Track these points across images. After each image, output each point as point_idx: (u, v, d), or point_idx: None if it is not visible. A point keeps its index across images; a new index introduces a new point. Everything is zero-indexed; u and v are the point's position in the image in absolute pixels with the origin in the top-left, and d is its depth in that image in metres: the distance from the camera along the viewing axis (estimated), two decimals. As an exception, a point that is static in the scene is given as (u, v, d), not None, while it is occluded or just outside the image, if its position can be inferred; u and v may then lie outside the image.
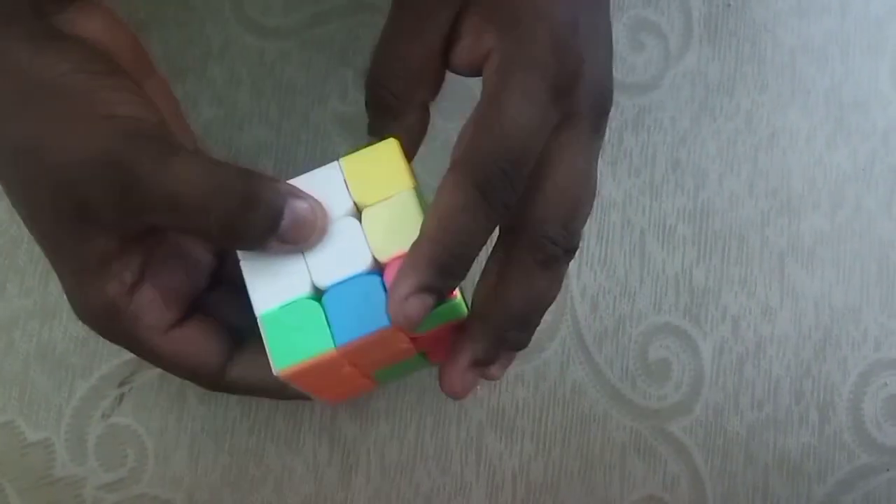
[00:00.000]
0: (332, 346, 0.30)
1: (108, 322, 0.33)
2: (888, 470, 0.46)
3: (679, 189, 0.46)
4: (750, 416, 0.46)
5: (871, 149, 0.47)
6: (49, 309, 0.42)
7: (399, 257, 0.30)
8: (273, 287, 0.30)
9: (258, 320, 0.31)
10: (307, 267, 0.31)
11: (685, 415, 0.45)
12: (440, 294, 0.29)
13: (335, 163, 0.32)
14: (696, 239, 0.46)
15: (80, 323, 0.42)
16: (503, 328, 0.32)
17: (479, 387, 0.44)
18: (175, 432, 0.43)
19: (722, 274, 0.46)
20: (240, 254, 0.31)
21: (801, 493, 0.45)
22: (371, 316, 0.30)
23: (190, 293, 0.35)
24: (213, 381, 0.34)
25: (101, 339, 0.42)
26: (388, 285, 0.30)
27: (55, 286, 0.42)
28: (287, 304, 0.30)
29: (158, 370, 0.42)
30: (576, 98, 0.31)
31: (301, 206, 0.30)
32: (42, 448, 0.42)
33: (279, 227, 0.29)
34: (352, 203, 0.31)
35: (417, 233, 0.29)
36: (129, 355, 0.42)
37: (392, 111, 0.33)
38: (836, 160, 0.47)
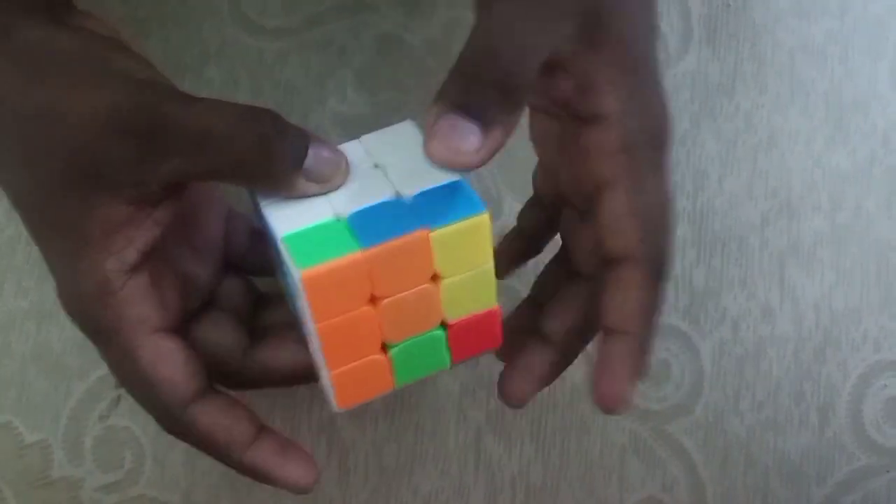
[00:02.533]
0: (357, 247, 0.29)
1: (95, 303, 0.31)
2: (888, 471, 0.46)
3: (679, 190, 0.46)
4: (750, 418, 0.45)
5: (870, 150, 0.47)
6: (46, 310, 0.42)
7: (464, 320, 0.32)
8: (295, 216, 0.30)
9: (279, 244, 0.30)
10: (330, 202, 0.31)
11: (685, 416, 0.45)
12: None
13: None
14: (695, 240, 0.46)
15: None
16: (646, 342, 0.33)
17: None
18: (173, 434, 0.43)
19: (722, 275, 0.46)
20: (260, 199, 0.31)
21: (801, 494, 0.45)
22: (396, 225, 0.29)
23: (183, 308, 0.34)
24: (171, 411, 0.32)
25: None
26: (451, 344, 0.32)
27: (52, 287, 0.42)
28: (310, 226, 0.30)
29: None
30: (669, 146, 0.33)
31: (323, 146, 0.30)
32: (39, 449, 0.42)
33: (305, 159, 0.30)
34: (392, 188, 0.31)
35: (489, 302, 0.32)
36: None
37: (513, 94, 0.29)
38: (835, 161, 0.47)
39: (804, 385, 0.46)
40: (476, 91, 0.28)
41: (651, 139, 0.32)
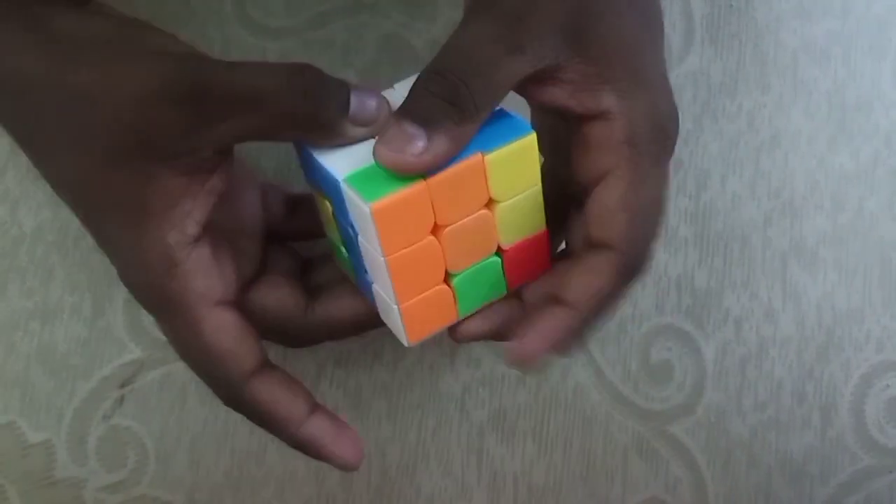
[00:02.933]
0: (419, 177, 0.30)
1: (161, 276, 0.31)
2: (891, 472, 0.46)
3: (681, 190, 0.46)
4: (752, 418, 0.45)
5: (873, 150, 0.47)
6: (50, 310, 0.42)
7: (518, 245, 0.34)
8: (349, 160, 0.31)
9: (341, 187, 0.31)
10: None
11: (687, 416, 0.45)
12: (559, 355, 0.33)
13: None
14: (698, 240, 0.46)
15: (80, 323, 0.42)
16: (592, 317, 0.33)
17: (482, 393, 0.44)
18: (176, 433, 0.43)
19: (724, 275, 0.46)
20: (312, 151, 0.32)
21: (804, 495, 0.45)
22: (457, 156, 0.31)
23: (238, 280, 0.34)
24: (233, 384, 0.33)
25: (103, 340, 0.42)
26: (507, 269, 0.34)
27: (56, 287, 0.42)
28: (367, 166, 0.31)
29: (160, 371, 0.42)
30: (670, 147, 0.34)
31: (364, 91, 0.31)
32: (43, 449, 0.42)
33: (350, 106, 0.31)
34: None
35: (540, 225, 0.34)
36: (129, 356, 0.42)
37: (463, 104, 0.30)
38: (838, 161, 0.47)
39: (807, 385, 0.46)
40: (423, 98, 0.30)
41: (654, 135, 0.32)
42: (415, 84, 0.30)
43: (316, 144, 0.32)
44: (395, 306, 0.32)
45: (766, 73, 0.47)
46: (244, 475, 0.43)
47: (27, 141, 0.33)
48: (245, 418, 0.42)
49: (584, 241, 0.33)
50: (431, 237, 0.31)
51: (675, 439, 0.45)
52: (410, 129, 0.29)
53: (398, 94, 0.33)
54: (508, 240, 0.34)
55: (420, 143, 0.29)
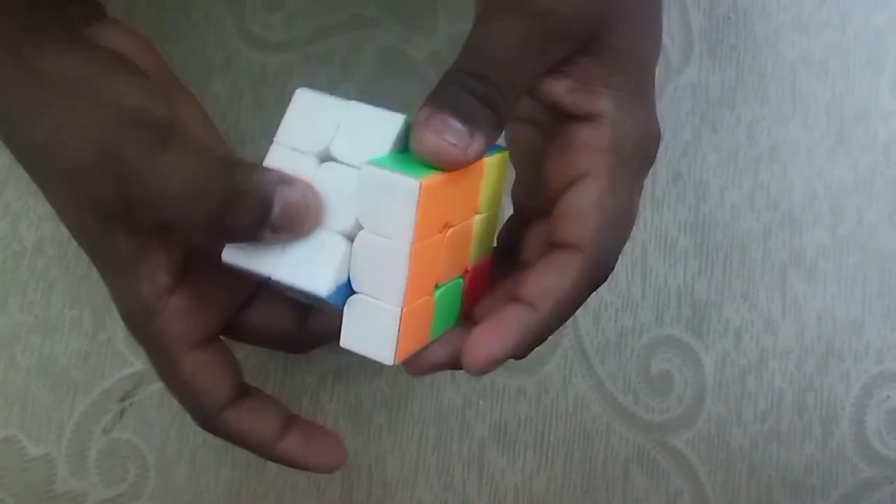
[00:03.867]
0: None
1: (142, 323, 0.32)
2: (892, 483, 0.46)
3: (680, 202, 0.46)
4: (753, 429, 0.45)
5: (872, 161, 0.48)
6: (51, 324, 0.42)
7: (475, 266, 0.33)
8: (364, 148, 0.30)
9: (364, 168, 0.29)
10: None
11: (688, 428, 0.45)
12: (517, 358, 0.31)
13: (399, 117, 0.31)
14: (697, 252, 0.46)
15: (81, 337, 0.42)
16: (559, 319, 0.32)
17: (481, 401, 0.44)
18: (176, 447, 0.43)
19: (724, 287, 0.46)
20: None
21: (805, 506, 0.45)
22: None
23: (230, 306, 0.35)
24: (208, 416, 0.34)
25: (103, 353, 0.42)
26: (465, 291, 0.32)
27: (57, 301, 0.42)
28: (389, 154, 0.30)
29: (160, 384, 0.42)
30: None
31: (291, 193, 0.29)
32: (43, 463, 0.42)
33: (270, 217, 0.29)
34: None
35: (489, 247, 0.33)
36: (130, 369, 0.42)
37: (498, 111, 0.30)
38: (837, 173, 0.47)
39: (807, 396, 0.46)
40: (465, 98, 0.29)
41: (638, 151, 0.31)
42: (451, 79, 0.29)
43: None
44: (397, 310, 0.30)
45: (765, 85, 0.48)
46: (244, 488, 0.43)
47: (28, 173, 0.33)
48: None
49: (546, 248, 0.32)
50: (440, 235, 0.30)
51: (675, 451, 0.45)
52: (456, 124, 0.28)
53: (332, 173, 0.30)
54: (472, 258, 0.32)
55: (463, 139, 0.29)
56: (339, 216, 0.30)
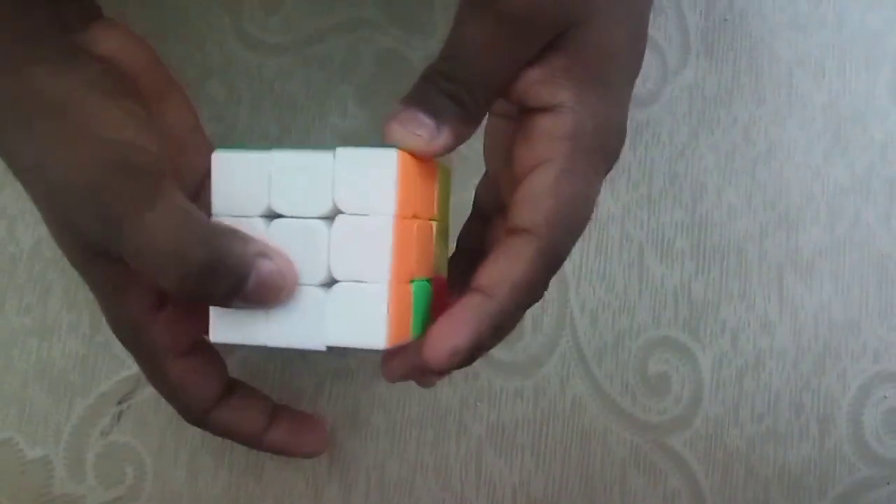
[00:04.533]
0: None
1: (131, 336, 0.34)
2: (889, 483, 0.46)
3: (677, 203, 0.46)
4: (750, 430, 0.46)
5: (868, 161, 0.48)
6: (48, 327, 0.42)
7: (438, 278, 0.33)
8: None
9: (335, 154, 0.29)
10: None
11: (685, 428, 0.45)
12: (481, 354, 0.30)
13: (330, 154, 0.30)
14: (694, 252, 0.46)
15: (78, 340, 0.42)
16: (512, 310, 0.31)
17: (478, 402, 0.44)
18: (174, 449, 0.43)
19: (721, 287, 0.46)
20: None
21: (802, 506, 0.45)
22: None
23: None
24: (197, 416, 0.36)
25: (100, 356, 0.42)
26: (433, 298, 0.32)
27: (54, 303, 0.42)
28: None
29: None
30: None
31: (268, 268, 0.29)
32: (41, 466, 0.42)
33: (243, 291, 0.29)
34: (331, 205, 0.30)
35: (442, 267, 0.33)
36: (127, 372, 0.42)
37: (466, 108, 0.31)
38: (833, 173, 0.47)
39: (804, 396, 0.46)
40: (433, 94, 0.30)
41: (599, 143, 0.31)
42: (424, 78, 0.31)
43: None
44: (384, 286, 0.29)
45: (762, 85, 0.48)
46: (242, 490, 0.43)
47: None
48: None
49: (502, 235, 0.32)
50: (412, 221, 0.30)
51: (673, 451, 0.45)
52: (423, 117, 0.30)
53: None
54: (435, 267, 0.33)
55: (431, 131, 0.30)
56: (309, 270, 0.30)
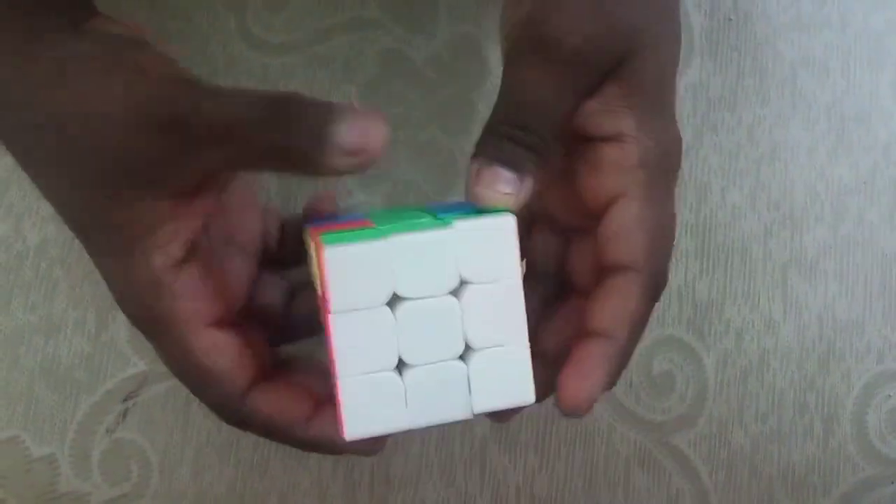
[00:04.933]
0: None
1: (148, 299, 0.32)
2: (893, 482, 0.46)
3: (681, 203, 0.47)
4: (754, 429, 0.45)
5: (872, 162, 0.48)
6: (54, 324, 0.43)
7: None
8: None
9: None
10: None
11: (689, 428, 0.45)
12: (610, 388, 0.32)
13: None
14: (698, 252, 0.46)
15: (84, 338, 0.42)
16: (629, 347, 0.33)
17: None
18: (179, 447, 0.43)
19: (725, 287, 0.46)
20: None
21: (806, 506, 0.45)
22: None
23: (233, 302, 0.35)
24: (231, 402, 0.33)
25: (106, 354, 0.42)
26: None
27: (60, 301, 0.42)
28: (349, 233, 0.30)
29: (163, 384, 0.42)
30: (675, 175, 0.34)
31: (353, 118, 0.28)
32: (47, 463, 0.42)
33: (335, 134, 0.27)
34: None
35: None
36: (133, 369, 0.42)
37: (540, 152, 0.32)
38: (837, 173, 0.47)
39: (808, 396, 0.46)
40: (511, 149, 0.31)
41: (665, 161, 0.32)
42: (494, 131, 0.31)
43: (301, 176, 0.31)
44: (525, 347, 0.30)
45: (766, 85, 0.48)
46: (248, 488, 0.43)
47: (23, 162, 0.33)
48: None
49: (596, 269, 0.33)
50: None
51: (677, 451, 0.45)
52: (505, 173, 0.31)
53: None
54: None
55: (515, 185, 0.31)
56: (443, 346, 0.30)
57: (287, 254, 0.38)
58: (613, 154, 0.32)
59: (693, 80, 0.47)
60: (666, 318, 0.46)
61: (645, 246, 0.32)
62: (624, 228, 0.32)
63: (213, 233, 0.34)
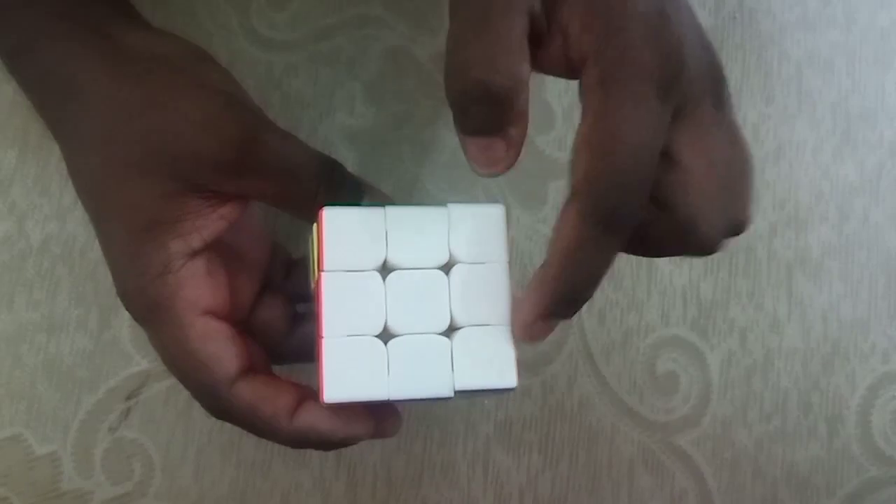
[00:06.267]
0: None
1: (154, 280, 0.33)
2: (897, 483, 0.46)
3: (686, 201, 0.46)
4: (758, 429, 0.45)
5: (878, 161, 0.47)
6: (56, 322, 0.42)
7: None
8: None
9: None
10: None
11: (693, 428, 0.45)
12: (569, 316, 0.30)
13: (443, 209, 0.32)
14: (703, 251, 0.46)
15: (87, 336, 0.42)
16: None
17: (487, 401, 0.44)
18: (181, 446, 0.43)
19: (729, 286, 0.46)
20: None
21: (811, 506, 0.45)
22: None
23: (232, 310, 0.35)
24: (217, 389, 0.33)
25: (109, 352, 0.42)
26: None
27: (63, 299, 0.42)
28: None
29: (165, 383, 0.42)
30: (685, 85, 0.29)
31: (374, 193, 0.34)
32: (49, 461, 0.42)
33: (364, 197, 0.34)
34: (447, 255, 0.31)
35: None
36: (135, 368, 0.42)
37: (510, 96, 0.29)
38: (843, 172, 0.47)
39: (812, 396, 0.46)
40: (472, 114, 0.30)
41: (635, 72, 0.28)
42: (453, 103, 0.30)
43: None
44: (507, 328, 0.31)
45: (771, 84, 0.48)
46: (249, 487, 0.43)
47: (65, 137, 0.36)
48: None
49: None
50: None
51: (680, 451, 0.45)
52: (483, 140, 0.30)
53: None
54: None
55: (500, 148, 0.30)
56: (429, 319, 0.31)
57: (292, 289, 0.39)
58: (583, 78, 0.29)
59: (698, 78, 0.47)
60: (670, 317, 0.46)
61: (585, 167, 0.28)
62: (573, 150, 0.29)
63: (226, 243, 0.35)
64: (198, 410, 0.42)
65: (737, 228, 0.31)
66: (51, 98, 0.36)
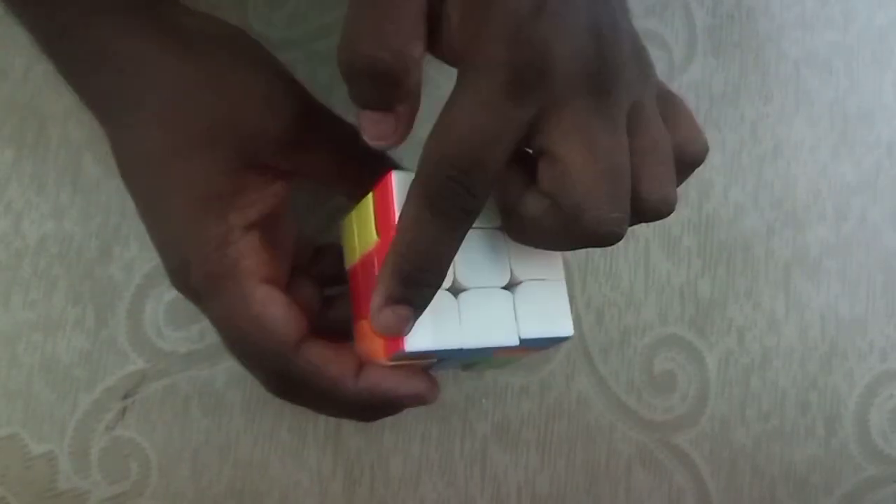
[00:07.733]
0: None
1: (214, 252, 0.34)
2: (895, 482, 0.46)
3: (684, 200, 0.46)
4: (756, 428, 0.45)
5: (875, 160, 0.47)
6: (53, 321, 0.42)
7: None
8: None
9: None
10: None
11: (691, 427, 0.45)
12: (413, 303, 0.30)
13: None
14: (701, 250, 0.46)
15: (83, 335, 0.42)
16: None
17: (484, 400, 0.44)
18: (179, 445, 0.43)
19: (727, 285, 0.46)
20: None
21: (808, 505, 0.45)
22: None
23: (283, 274, 0.36)
24: (284, 352, 0.34)
25: (105, 351, 0.42)
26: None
27: (59, 299, 0.42)
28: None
29: (162, 382, 0.42)
30: (552, 81, 0.29)
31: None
32: (46, 461, 0.42)
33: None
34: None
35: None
36: (132, 367, 0.42)
37: (396, 73, 0.30)
38: (840, 171, 0.47)
39: (810, 395, 0.46)
40: (360, 88, 0.31)
41: (483, 64, 0.29)
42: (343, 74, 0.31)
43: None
44: (563, 282, 0.33)
45: (768, 83, 0.48)
46: (247, 487, 0.43)
47: (116, 113, 0.36)
48: (247, 429, 0.42)
49: None
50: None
51: (678, 450, 0.45)
52: (374, 114, 0.32)
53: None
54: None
55: (388, 123, 0.32)
56: (494, 272, 0.32)
57: (318, 274, 0.39)
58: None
59: (695, 76, 0.47)
60: (668, 316, 0.46)
61: (422, 153, 0.29)
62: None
63: (269, 222, 0.36)
64: (195, 410, 0.42)
65: (645, 213, 0.30)
66: (103, 76, 0.35)
